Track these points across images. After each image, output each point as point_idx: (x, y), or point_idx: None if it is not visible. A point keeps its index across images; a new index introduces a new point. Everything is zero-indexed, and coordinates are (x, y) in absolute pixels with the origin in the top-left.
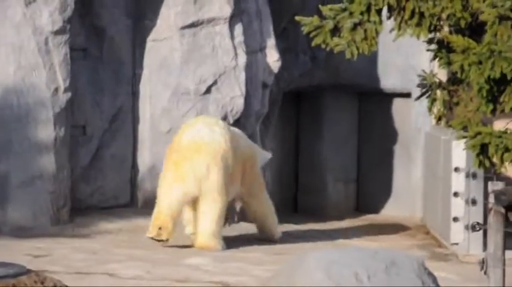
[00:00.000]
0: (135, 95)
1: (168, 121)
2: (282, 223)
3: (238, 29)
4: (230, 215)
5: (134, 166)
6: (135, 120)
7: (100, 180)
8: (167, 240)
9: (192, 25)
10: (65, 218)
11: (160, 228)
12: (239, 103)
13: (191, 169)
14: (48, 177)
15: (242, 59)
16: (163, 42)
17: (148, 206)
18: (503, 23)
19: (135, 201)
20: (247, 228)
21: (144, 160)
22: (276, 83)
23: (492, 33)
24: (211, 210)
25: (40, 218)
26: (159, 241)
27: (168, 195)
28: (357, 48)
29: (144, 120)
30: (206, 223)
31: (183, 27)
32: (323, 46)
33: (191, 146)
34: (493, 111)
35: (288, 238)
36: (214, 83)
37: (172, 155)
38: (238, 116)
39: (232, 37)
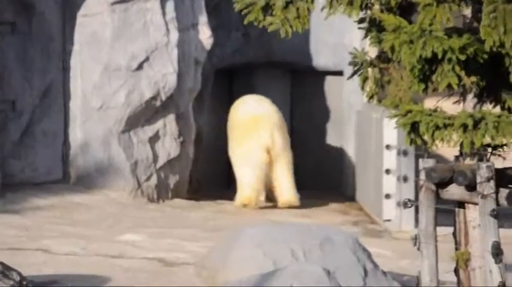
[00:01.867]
0: (65, 70)
1: (100, 97)
2: (215, 199)
3: (170, 5)
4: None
5: (66, 142)
6: (66, 96)
7: (31, 156)
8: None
9: (123, 1)
10: None
11: (246, 204)
12: (171, 80)
13: (258, 140)
14: None
15: (174, 35)
16: (94, 18)
17: (80, 182)
18: (441, 6)
19: (67, 177)
20: (181, 204)
21: (76, 136)
22: (208, 60)
23: (429, 15)
24: (287, 171)
25: None
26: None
27: (248, 172)
28: (291, 27)
29: (76, 96)
30: (287, 183)
31: (114, 3)
32: (256, 24)
33: (251, 120)
34: (425, 90)
35: (223, 214)
36: (146, 59)
37: (234, 133)
38: (170, 93)
39: (163, 13)
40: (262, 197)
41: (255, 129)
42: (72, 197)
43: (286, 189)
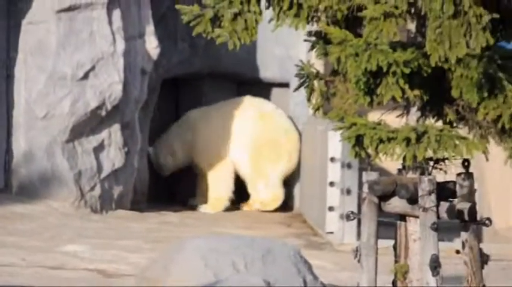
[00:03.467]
0: (9, 78)
1: (44, 106)
2: (159, 211)
3: (116, 14)
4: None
5: (8, 151)
6: (9, 104)
7: None
8: None
9: (69, 9)
10: None
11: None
12: (117, 89)
13: None
14: None
15: (120, 45)
16: (39, 26)
17: (22, 192)
18: (388, 20)
19: (10, 187)
20: (124, 215)
21: (19, 145)
22: (155, 70)
23: (375, 29)
24: None
25: None
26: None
27: None
28: (239, 39)
29: (19, 104)
30: None
31: (60, 11)
32: (204, 35)
33: None
34: (370, 103)
35: (166, 225)
36: (92, 68)
37: None
38: (116, 103)
39: (110, 23)
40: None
41: None
42: (14, 207)
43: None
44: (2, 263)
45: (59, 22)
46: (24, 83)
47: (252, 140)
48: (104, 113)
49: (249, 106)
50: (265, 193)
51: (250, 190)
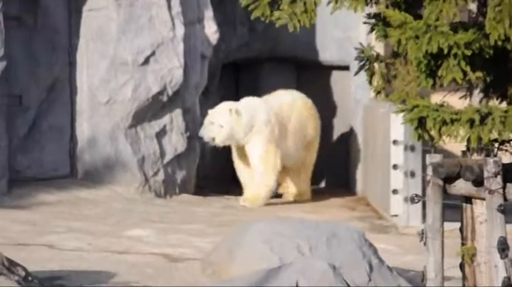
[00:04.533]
0: (72, 65)
1: (107, 92)
2: (222, 195)
3: (175, 0)
4: None
5: (73, 137)
6: (72, 90)
7: (38, 151)
8: None
9: None
10: (2, 189)
11: None
12: (178, 74)
13: None
14: None
15: (180, 30)
16: (100, 12)
17: (87, 177)
18: (447, 1)
19: (75, 172)
20: (188, 199)
21: (82, 131)
22: (214, 55)
23: (435, 10)
24: None
25: None
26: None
27: None
28: (299, 21)
29: (82, 90)
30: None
31: None
32: (262, 19)
33: None
34: (433, 85)
35: (230, 209)
36: (152, 54)
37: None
38: (177, 88)
39: (169, 8)
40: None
41: None
42: (79, 192)
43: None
44: (69, 248)
45: (119, 8)
46: (87, 70)
47: None
48: (165, 98)
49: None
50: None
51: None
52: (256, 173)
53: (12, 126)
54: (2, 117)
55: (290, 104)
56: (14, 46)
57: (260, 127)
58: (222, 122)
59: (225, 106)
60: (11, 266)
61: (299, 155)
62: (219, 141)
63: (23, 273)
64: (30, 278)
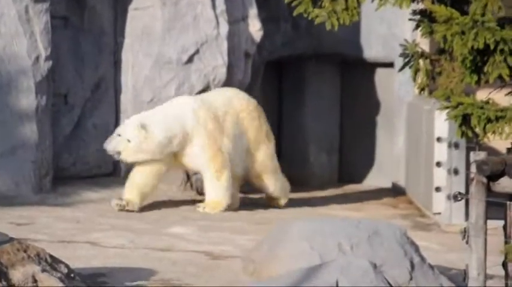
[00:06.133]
0: (117, 64)
1: (150, 91)
2: (262, 192)
3: None
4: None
5: None
6: (117, 89)
7: (82, 149)
8: None
9: None
10: (47, 187)
11: None
12: (221, 72)
13: None
14: (30, 146)
15: (224, 28)
16: (145, 11)
17: None
18: None
19: (118, 171)
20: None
21: None
22: (258, 53)
23: (480, 4)
24: None
25: (22, 187)
26: None
27: None
28: (338, 19)
29: (126, 89)
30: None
31: None
32: (305, 16)
33: None
34: (478, 82)
35: (271, 207)
36: (196, 52)
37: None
38: (221, 86)
39: (213, 6)
40: None
41: None
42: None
43: None
44: (111, 245)
45: (164, 7)
46: (131, 68)
47: None
48: None
49: None
50: None
51: None
52: (207, 179)
53: (58, 125)
54: (48, 116)
55: (225, 104)
56: (61, 46)
57: (193, 132)
58: (129, 137)
59: (136, 120)
60: (53, 263)
61: (243, 163)
62: (126, 156)
63: (65, 270)
64: (72, 275)
